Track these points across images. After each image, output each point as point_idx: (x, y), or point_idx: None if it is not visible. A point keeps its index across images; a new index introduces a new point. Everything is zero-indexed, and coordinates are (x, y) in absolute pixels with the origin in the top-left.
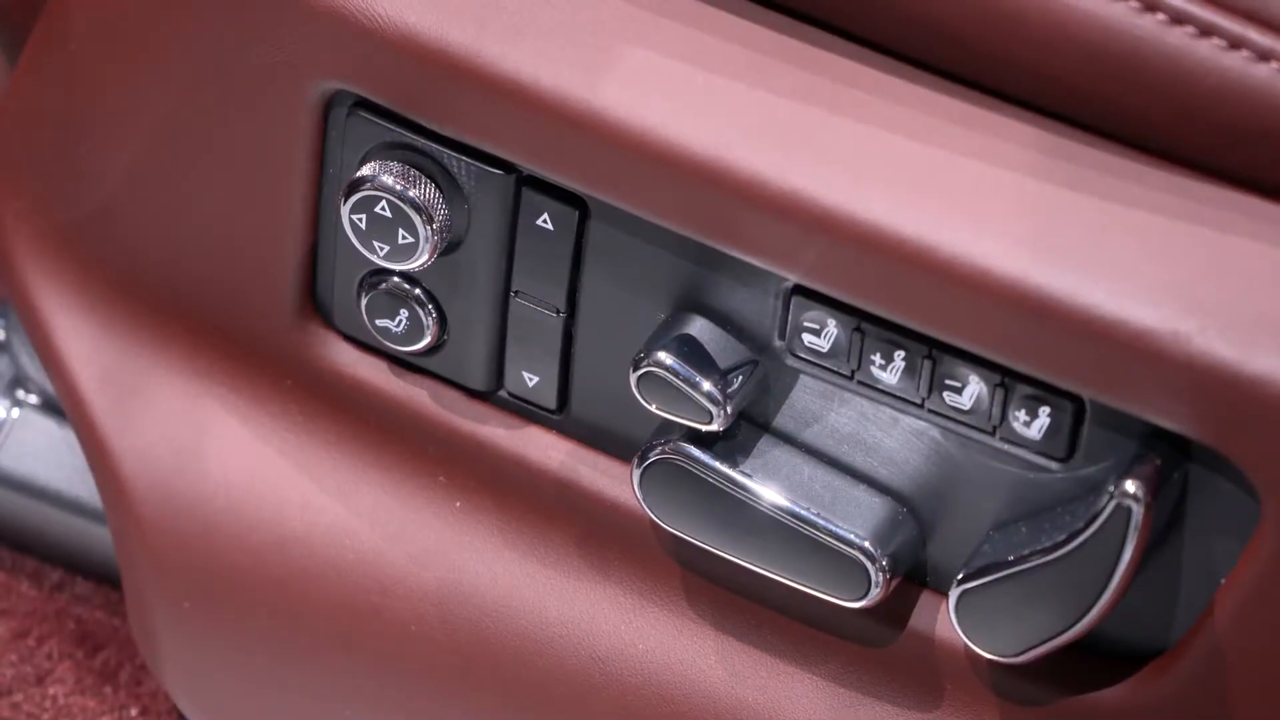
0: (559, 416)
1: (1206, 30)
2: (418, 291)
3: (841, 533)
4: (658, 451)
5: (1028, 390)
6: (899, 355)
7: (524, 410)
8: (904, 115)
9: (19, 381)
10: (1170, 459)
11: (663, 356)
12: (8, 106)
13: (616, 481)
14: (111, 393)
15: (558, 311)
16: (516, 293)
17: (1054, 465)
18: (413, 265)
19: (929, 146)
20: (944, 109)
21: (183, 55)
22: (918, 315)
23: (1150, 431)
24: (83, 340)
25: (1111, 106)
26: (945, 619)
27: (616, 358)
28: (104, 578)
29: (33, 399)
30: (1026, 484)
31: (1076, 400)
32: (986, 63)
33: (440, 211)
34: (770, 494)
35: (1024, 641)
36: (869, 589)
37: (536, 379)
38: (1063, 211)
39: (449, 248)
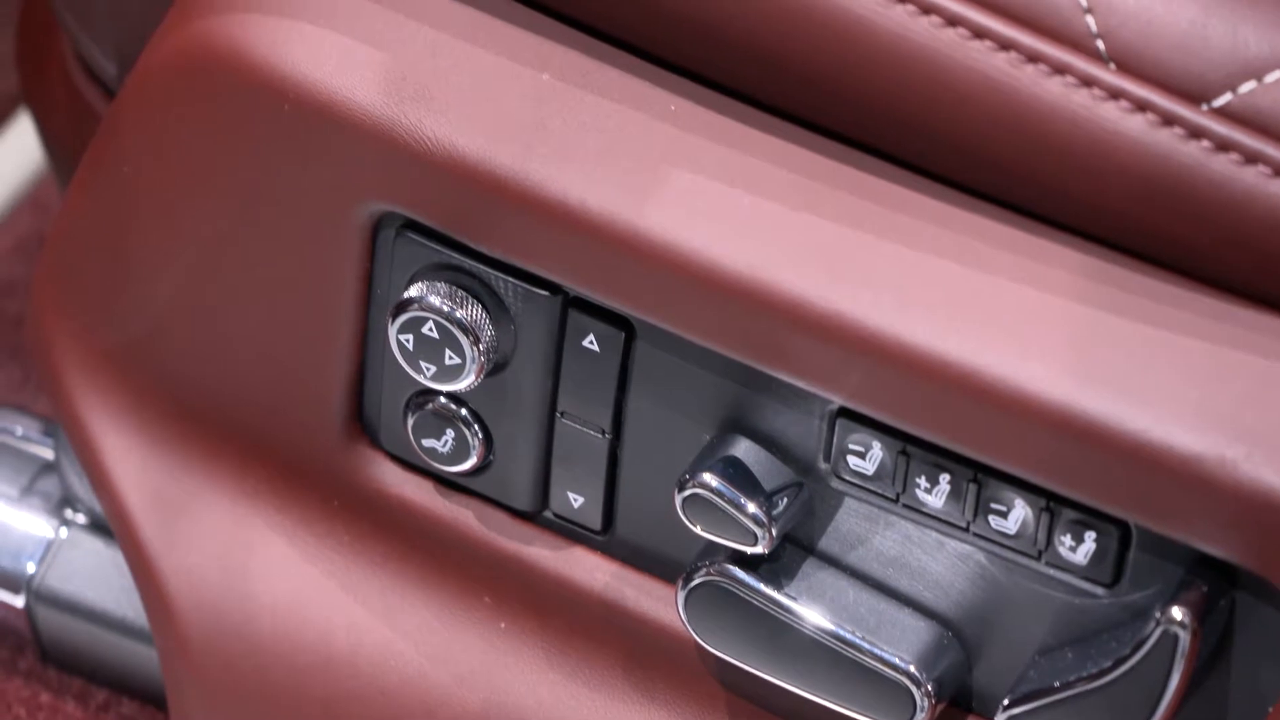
0: (604, 537)
1: (1252, 158)
2: (464, 412)
3: (886, 656)
4: (703, 573)
5: (1073, 515)
6: (944, 478)
7: (569, 531)
8: (949, 239)
9: (67, 501)
10: (1217, 585)
11: (708, 478)
12: (59, 229)
13: (661, 603)
14: (159, 513)
15: (603, 432)
16: (562, 413)
17: (1100, 591)
18: (459, 386)
19: (974, 270)
20: (989, 233)
21: (232, 177)
22: (963, 439)
23: (1197, 557)
24: (131, 460)
25: (1157, 232)
26: None
27: (662, 479)
28: (150, 698)
29: (81, 519)
30: (1072, 609)
31: (1122, 525)
32: (1032, 188)
33: (487, 332)
34: (815, 617)
35: None
36: (914, 714)
37: (582, 500)
38: (1108, 336)
39: (495, 368)
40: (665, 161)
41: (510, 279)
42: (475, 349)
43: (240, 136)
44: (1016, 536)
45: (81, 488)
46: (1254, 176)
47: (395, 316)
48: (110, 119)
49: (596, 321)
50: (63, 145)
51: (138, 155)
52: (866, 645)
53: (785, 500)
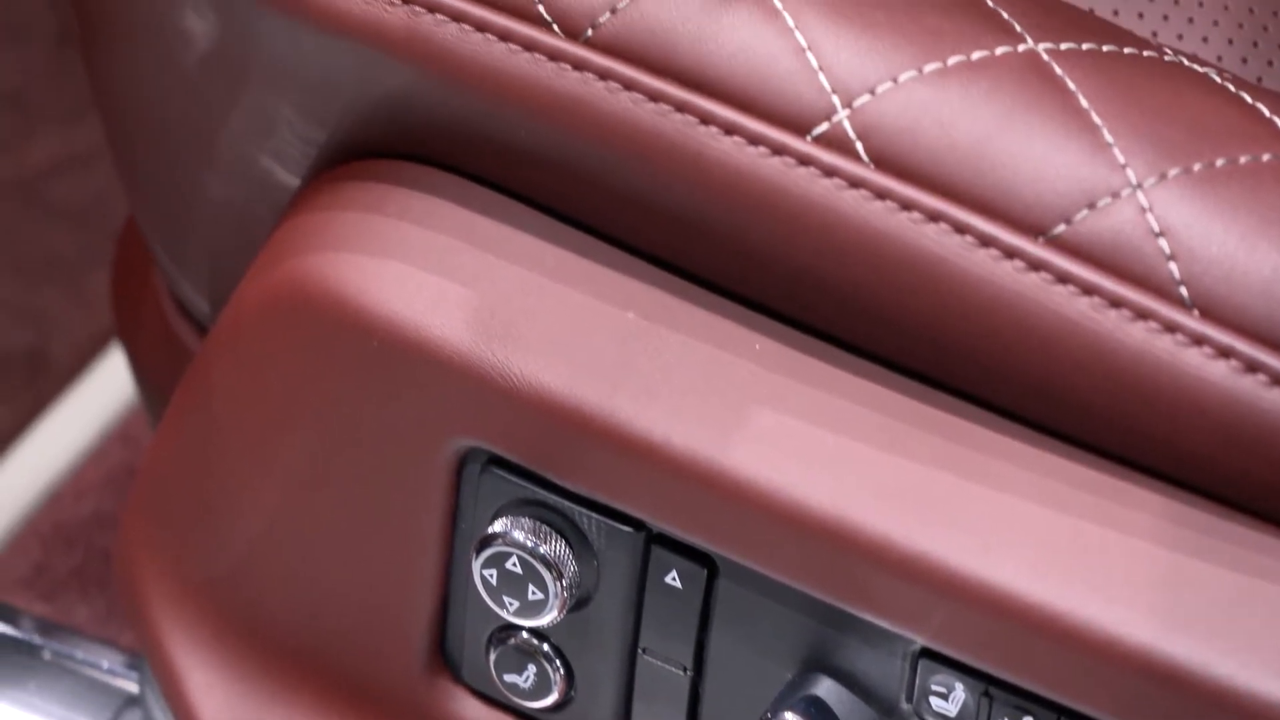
0: None
1: None
2: (546, 647)
3: None
4: None
5: None
6: None
7: None
8: (1031, 479)
9: None
10: None
11: (790, 718)
12: (150, 463)
13: None
14: None
15: (685, 669)
16: (644, 650)
17: None
18: (542, 621)
19: (1057, 512)
20: (1071, 474)
21: (320, 414)
22: (1046, 681)
23: None
24: (214, 695)
25: (1239, 477)
26: None
27: (743, 717)
28: None
29: None
30: None
31: None
32: (1114, 430)
33: (570, 568)
34: None
35: None
36: None
37: None
38: (1192, 581)
39: (578, 604)
40: (750, 400)
41: (594, 515)
42: (558, 584)
43: (329, 373)
44: None
45: None
46: None
47: (479, 551)
48: (203, 355)
49: (679, 558)
50: (155, 380)
51: (229, 391)
52: None
53: None
